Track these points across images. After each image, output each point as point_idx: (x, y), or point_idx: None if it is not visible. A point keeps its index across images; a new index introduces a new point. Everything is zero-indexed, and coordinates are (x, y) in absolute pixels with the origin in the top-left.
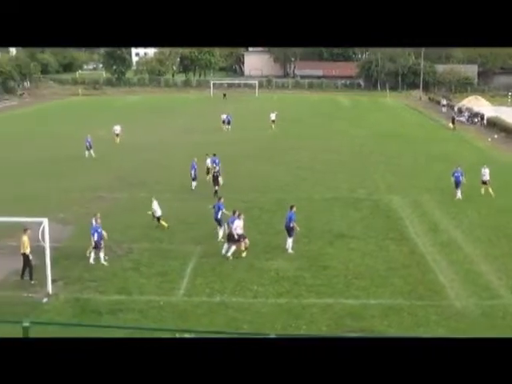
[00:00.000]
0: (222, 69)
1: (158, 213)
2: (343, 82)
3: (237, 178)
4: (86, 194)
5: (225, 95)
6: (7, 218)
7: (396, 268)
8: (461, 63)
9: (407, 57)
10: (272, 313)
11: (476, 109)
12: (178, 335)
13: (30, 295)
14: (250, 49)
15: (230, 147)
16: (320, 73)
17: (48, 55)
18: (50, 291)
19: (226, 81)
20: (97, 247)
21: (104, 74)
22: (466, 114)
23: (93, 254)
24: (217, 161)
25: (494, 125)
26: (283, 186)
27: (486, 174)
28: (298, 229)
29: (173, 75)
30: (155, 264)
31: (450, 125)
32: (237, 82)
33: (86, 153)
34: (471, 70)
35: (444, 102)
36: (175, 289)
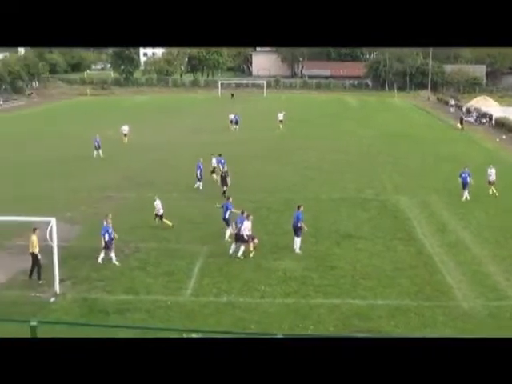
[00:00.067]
0: (229, 69)
1: (160, 211)
2: (351, 82)
3: (244, 178)
4: (93, 194)
5: (233, 95)
6: (15, 218)
7: (403, 268)
8: (469, 63)
9: (415, 57)
10: (279, 313)
11: (484, 109)
12: (185, 335)
13: (38, 295)
14: (258, 49)
15: (238, 147)
16: (328, 73)
17: (56, 55)
18: (58, 291)
19: (234, 81)
20: (107, 247)
21: (112, 74)
22: (475, 114)
23: (102, 254)
24: (222, 161)
25: (502, 125)
26: (291, 186)
27: (492, 174)
28: (305, 228)
29: (181, 75)
30: (162, 264)
31: (458, 125)
32: (245, 82)
33: (95, 153)
34: (479, 71)
35: (452, 102)
36: (182, 288)
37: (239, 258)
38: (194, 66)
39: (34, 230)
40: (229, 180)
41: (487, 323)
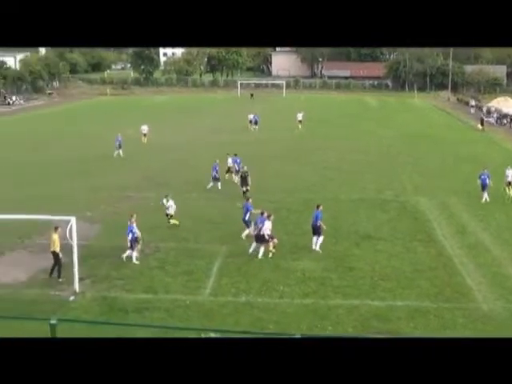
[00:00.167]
0: (249, 69)
1: (171, 211)
2: (371, 82)
3: (264, 178)
4: (113, 194)
5: (252, 95)
6: (36, 216)
7: (423, 270)
8: (490, 64)
9: (435, 57)
10: (298, 313)
11: (505, 110)
12: (203, 335)
13: (58, 293)
14: (278, 49)
15: (257, 147)
16: (347, 73)
17: (77, 55)
18: (77, 289)
19: (254, 81)
20: (131, 247)
21: (132, 74)
22: (495, 115)
23: (127, 252)
24: (238, 160)
25: None
26: (310, 187)
27: (509, 175)
28: (324, 227)
29: (200, 75)
30: (181, 263)
31: (479, 126)
32: (264, 82)
33: (116, 152)
34: (500, 71)
35: (472, 102)
36: (201, 288)
37: (259, 258)
38: (213, 66)
39: (56, 228)
40: (249, 180)
41: (507, 325)
